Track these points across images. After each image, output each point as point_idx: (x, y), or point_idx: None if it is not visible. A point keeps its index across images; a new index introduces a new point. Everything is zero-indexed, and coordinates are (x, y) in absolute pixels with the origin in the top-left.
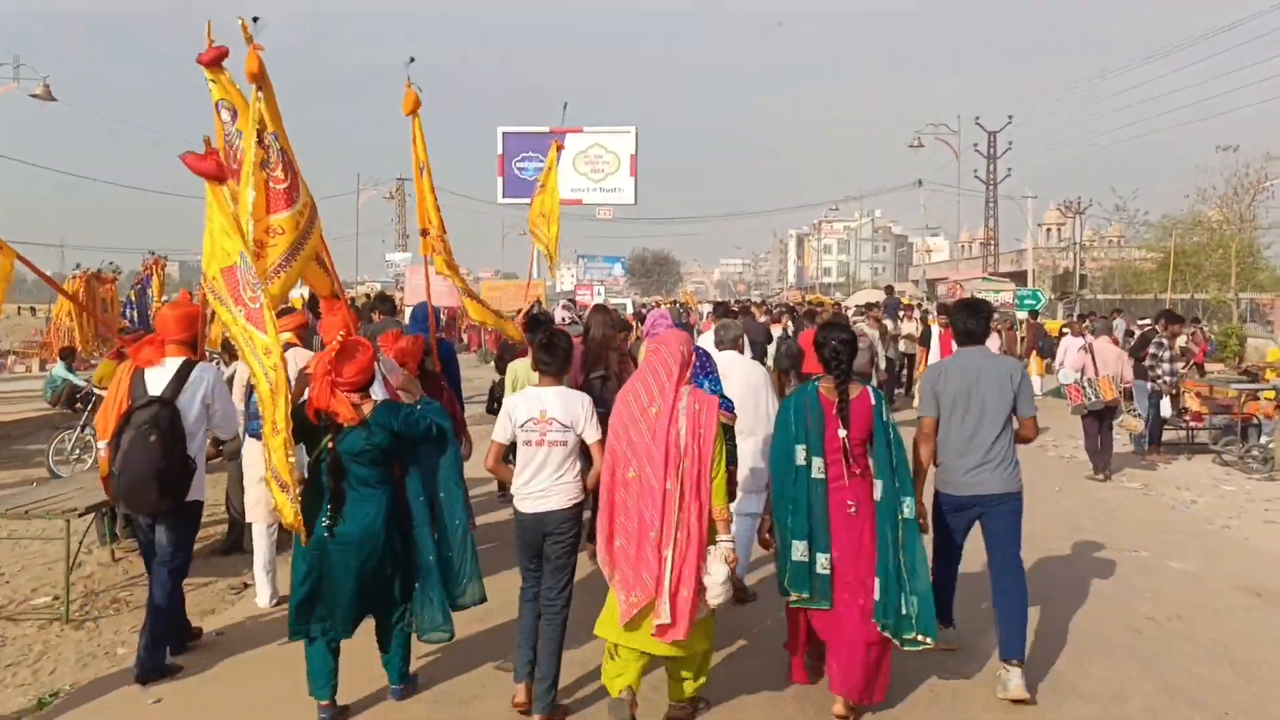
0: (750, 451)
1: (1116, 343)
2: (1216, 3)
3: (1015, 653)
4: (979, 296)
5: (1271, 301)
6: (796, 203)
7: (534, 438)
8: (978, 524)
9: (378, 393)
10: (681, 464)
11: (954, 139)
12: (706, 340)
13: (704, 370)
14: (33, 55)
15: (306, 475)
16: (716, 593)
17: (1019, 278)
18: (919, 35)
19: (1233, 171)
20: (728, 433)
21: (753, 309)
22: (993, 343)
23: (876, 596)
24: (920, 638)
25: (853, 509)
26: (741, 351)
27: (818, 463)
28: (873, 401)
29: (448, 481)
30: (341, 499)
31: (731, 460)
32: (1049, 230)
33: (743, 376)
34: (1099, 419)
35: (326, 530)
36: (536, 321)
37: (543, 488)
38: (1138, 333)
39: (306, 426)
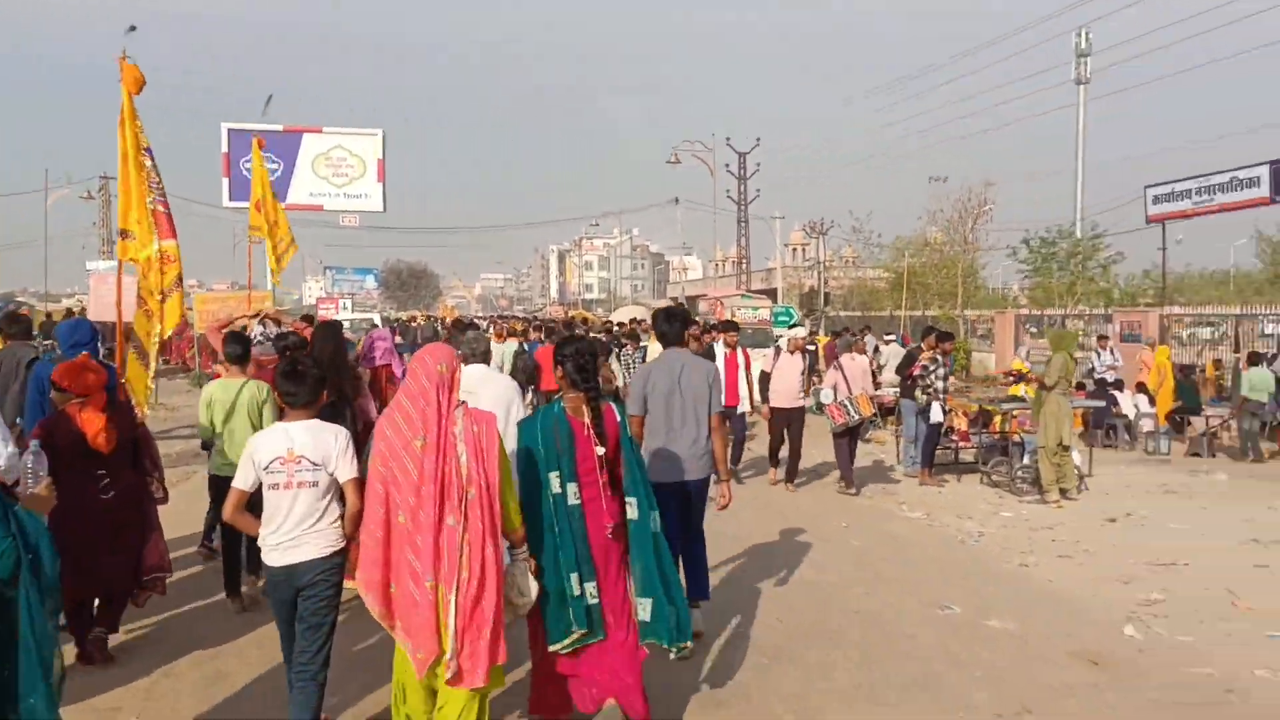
0: None
1: (865, 354)
2: (933, 44)
3: (702, 593)
4: (733, 314)
5: (991, 318)
6: (559, 216)
7: (281, 480)
8: None
9: None
10: (466, 493)
11: (709, 156)
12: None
13: None
14: None
15: None
16: (526, 601)
17: (769, 295)
18: (676, 56)
19: (958, 196)
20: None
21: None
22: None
23: (646, 617)
24: (688, 646)
25: (610, 531)
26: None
27: (573, 488)
28: (618, 417)
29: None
30: None
31: None
32: (794, 250)
33: (491, 393)
34: (850, 435)
35: None
36: (237, 337)
37: (293, 536)
38: (884, 349)
39: None
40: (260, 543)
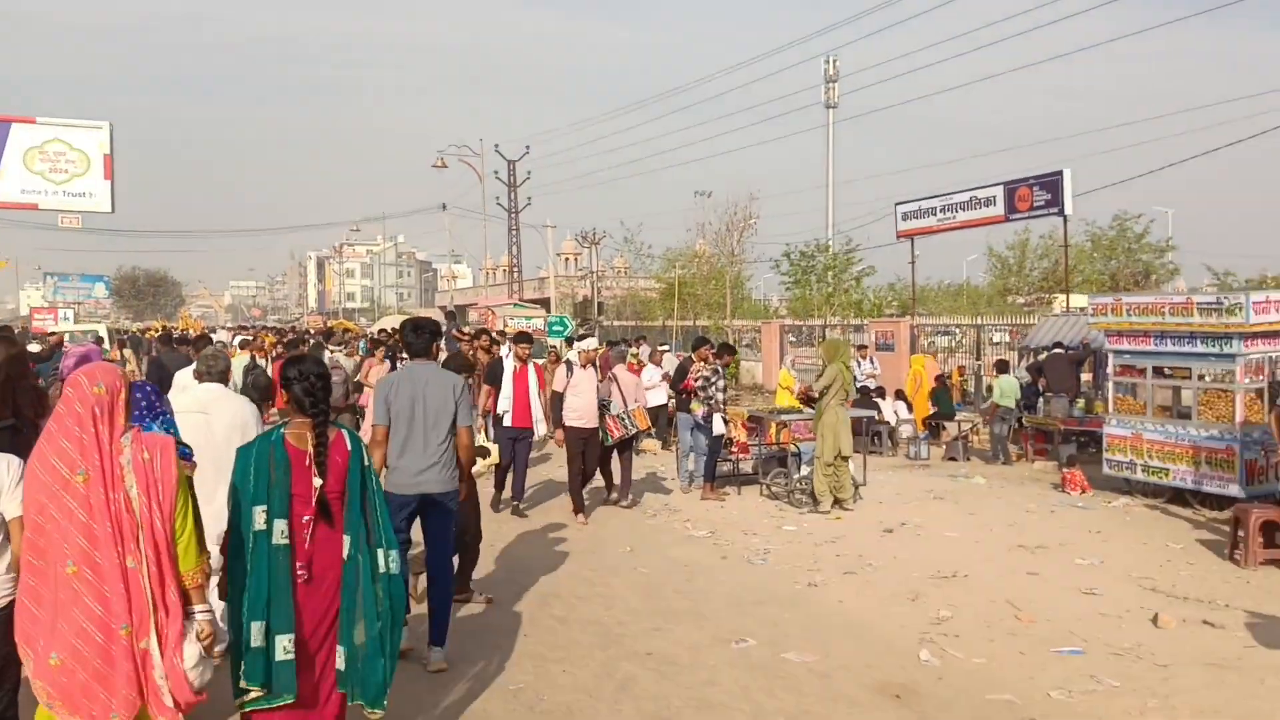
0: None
1: (635, 370)
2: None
3: (438, 640)
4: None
5: (758, 328)
6: (315, 221)
7: None
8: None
9: None
10: (139, 532)
11: (477, 162)
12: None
13: (153, 410)
14: None
15: None
16: (192, 669)
17: (542, 304)
18: (438, 65)
19: (725, 209)
20: (188, 481)
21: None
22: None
23: (342, 666)
24: (376, 715)
25: (304, 576)
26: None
27: (280, 525)
28: (349, 446)
29: None
30: None
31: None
32: (567, 259)
33: (229, 414)
34: (627, 446)
35: None
36: None
37: None
38: (661, 361)
39: None
40: None
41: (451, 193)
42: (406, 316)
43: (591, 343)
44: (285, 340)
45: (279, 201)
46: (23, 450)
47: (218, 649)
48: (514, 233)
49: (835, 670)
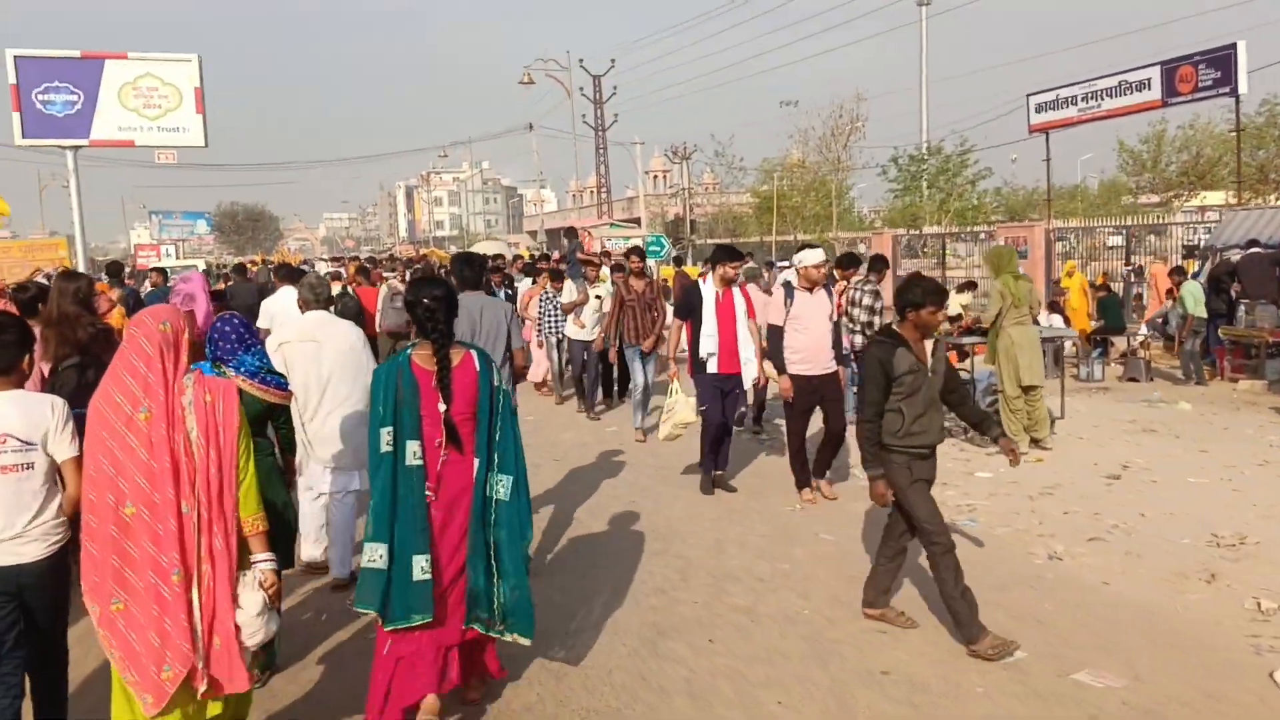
0: (352, 424)
1: (769, 293)
2: None
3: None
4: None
5: (868, 239)
6: (403, 149)
7: None
8: None
9: None
10: (195, 476)
11: (564, 77)
12: None
13: (243, 343)
14: None
15: None
16: (252, 628)
17: (633, 225)
18: None
19: (829, 113)
20: (281, 415)
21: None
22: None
23: (475, 591)
24: (516, 638)
25: (433, 495)
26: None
27: (413, 447)
28: (478, 368)
29: None
30: None
31: (290, 448)
32: (655, 177)
33: (340, 339)
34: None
35: None
36: None
37: (16, 530)
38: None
39: None
40: None
41: (536, 112)
42: (497, 243)
43: (817, 255)
44: (410, 270)
45: (370, 131)
46: (90, 390)
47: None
48: (601, 151)
49: (1165, 706)
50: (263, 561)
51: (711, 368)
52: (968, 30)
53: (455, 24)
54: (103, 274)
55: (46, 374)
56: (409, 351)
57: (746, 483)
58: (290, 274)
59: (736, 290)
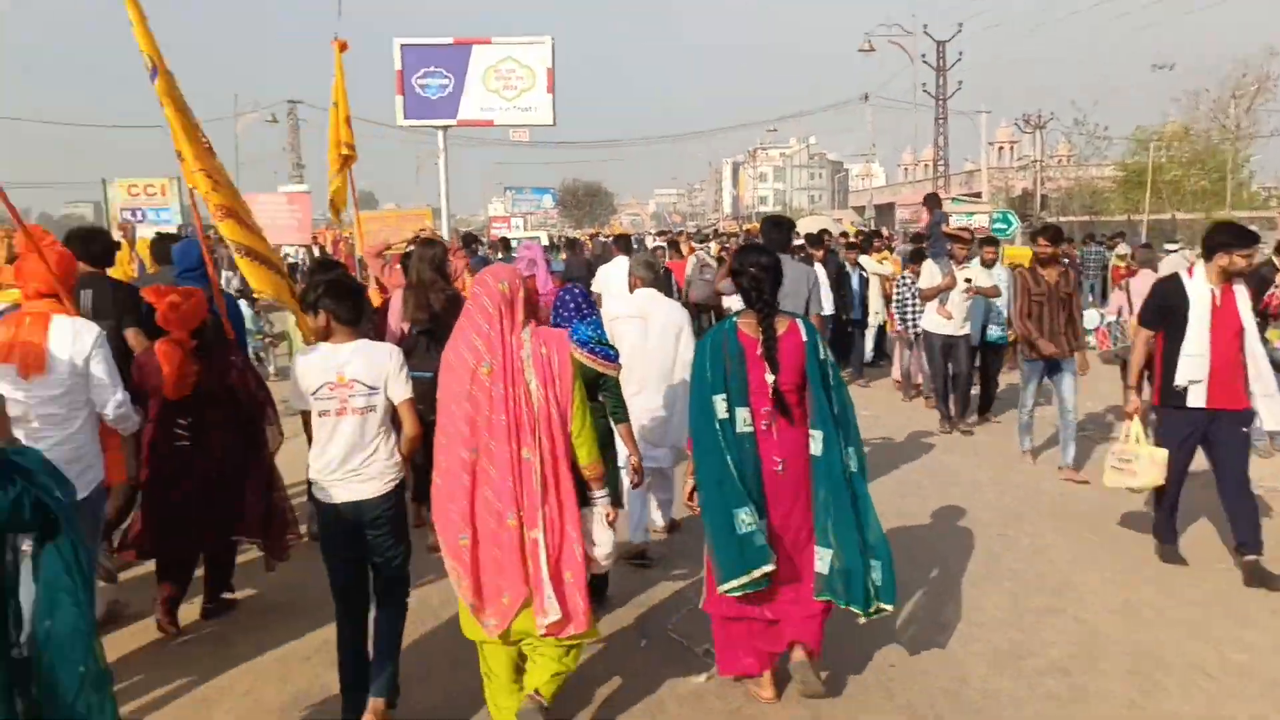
0: (667, 401)
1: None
2: None
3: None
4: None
5: (1274, 220)
6: (730, 124)
7: (332, 407)
8: None
9: None
10: (537, 425)
11: (908, 43)
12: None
13: (580, 313)
14: None
15: None
16: (607, 561)
17: (975, 199)
18: None
19: (1226, 73)
20: (609, 382)
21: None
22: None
23: (822, 568)
24: (883, 606)
25: (779, 466)
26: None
27: (743, 414)
28: (804, 337)
29: (62, 607)
30: None
31: (620, 418)
32: (1000, 149)
33: (663, 316)
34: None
35: None
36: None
37: (353, 468)
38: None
39: None
40: (312, 476)
41: (870, 83)
42: (820, 218)
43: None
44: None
45: (701, 108)
46: (438, 349)
47: None
48: (941, 121)
49: None
50: (600, 498)
51: (1195, 400)
52: None
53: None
54: (459, 242)
55: (402, 334)
56: (734, 319)
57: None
58: (625, 244)
59: (1240, 290)
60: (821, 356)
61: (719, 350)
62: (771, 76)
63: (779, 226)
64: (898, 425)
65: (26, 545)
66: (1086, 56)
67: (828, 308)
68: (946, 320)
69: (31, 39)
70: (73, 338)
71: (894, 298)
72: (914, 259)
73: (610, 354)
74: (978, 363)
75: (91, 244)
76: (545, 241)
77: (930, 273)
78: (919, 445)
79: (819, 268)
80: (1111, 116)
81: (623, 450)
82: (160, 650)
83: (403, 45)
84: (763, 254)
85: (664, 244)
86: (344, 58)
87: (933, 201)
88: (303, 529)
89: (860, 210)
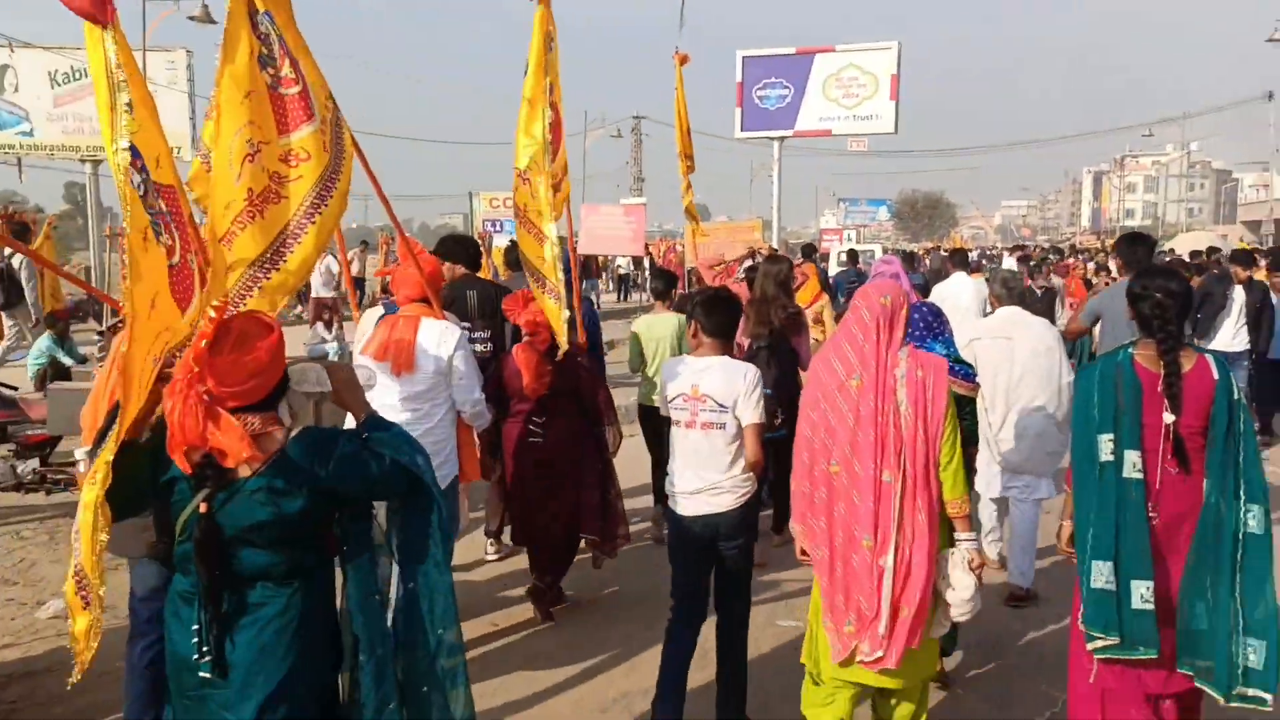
0: (1040, 427)
1: None
2: None
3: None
4: None
5: None
6: (1094, 129)
7: (684, 417)
8: None
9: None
10: (902, 448)
11: None
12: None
13: (931, 331)
14: None
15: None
16: (963, 609)
17: None
18: None
19: None
20: (965, 406)
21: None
22: None
23: (1256, 664)
24: (1255, 693)
25: (1155, 517)
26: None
27: (1132, 457)
28: (1215, 375)
29: (425, 571)
30: (221, 610)
31: (971, 441)
32: None
33: (1034, 338)
34: None
35: (200, 669)
36: (661, 273)
37: (712, 482)
38: None
39: (145, 472)
40: (668, 488)
41: (1272, 80)
42: (1201, 234)
43: None
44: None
45: (1061, 111)
46: (777, 365)
47: None
48: None
49: None
50: (967, 541)
51: None
52: None
53: None
54: (799, 254)
55: (744, 349)
56: (1130, 350)
57: None
58: (962, 259)
59: None
60: (1235, 398)
61: (1110, 383)
62: (1148, 72)
63: (1139, 244)
64: None
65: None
66: None
67: (1239, 342)
68: None
69: (421, 68)
70: (439, 339)
71: None
72: None
73: (968, 373)
74: None
75: (469, 248)
76: (879, 253)
77: None
78: None
79: (1238, 291)
80: None
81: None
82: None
83: (745, 57)
84: (1171, 278)
85: (1020, 262)
86: (685, 71)
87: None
88: (646, 529)
89: (1255, 226)
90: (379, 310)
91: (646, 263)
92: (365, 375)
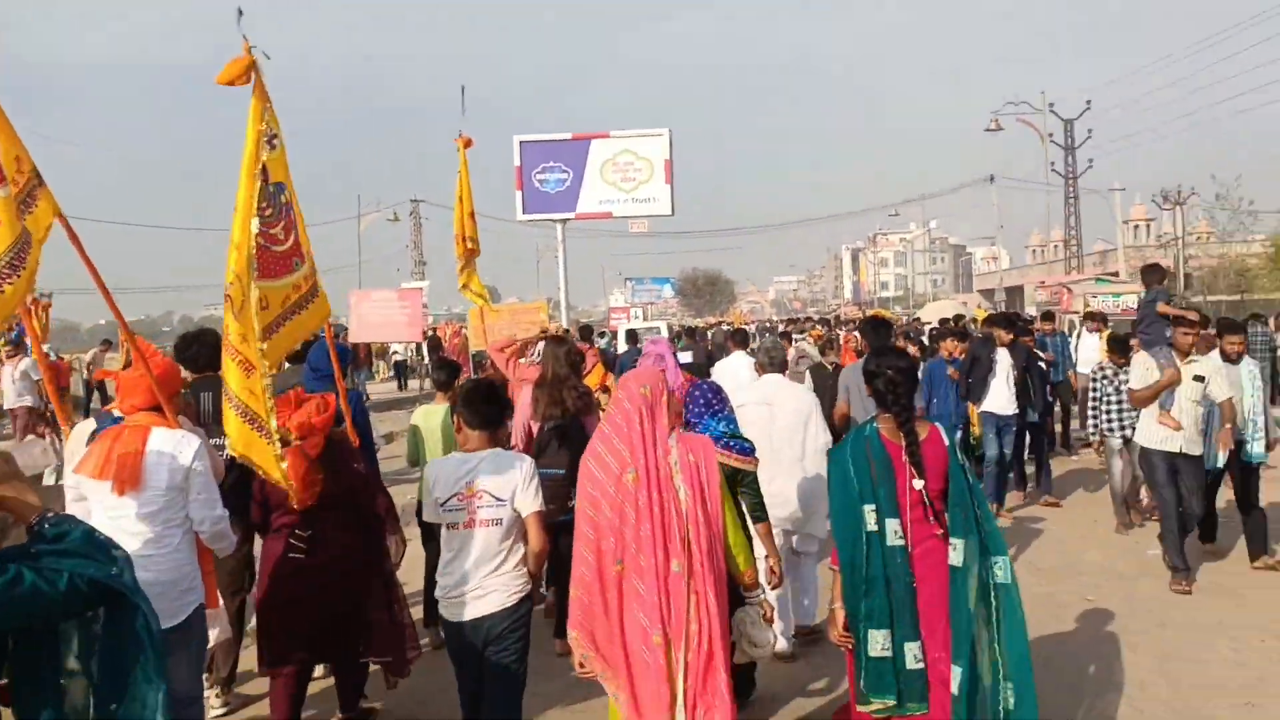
0: (802, 486)
1: None
2: None
3: None
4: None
5: None
6: (851, 209)
7: (460, 519)
8: None
9: None
10: (687, 533)
11: (1037, 120)
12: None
13: (710, 409)
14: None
15: None
16: (764, 652)
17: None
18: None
19: None
20: (746, 480)
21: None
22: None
23: (955, 689)
24: None
25: (921, 581)
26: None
27: (893, 525)
28: (946, 441)
29: (133, 693)
30: None
31: (758, 515)
32: (1135, 227)
33: (792, 404)
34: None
35: None
36: (444, 363)
37: (475, 585)
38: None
39: None
40: (438, 594)
41: (995, 162)
42: (946, 303)
43: None
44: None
45: (822, 193)
46: (570, 447)
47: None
48: (1071, 201)
49: None
50: (754, 597)
51: None
52: None
53: (909, 74)
54: (577, 334)
55: (534, 431)
56: (874, 425)
57: None
58: (743, 339)
59: None
60: (961, 461)
61: (862, 457)
62: (891, 160)
63: (880, 326)
64: (1104, 570)
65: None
66: (1224, 134)
67: (1009, 405)
68: (1173, 432)
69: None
70: (173, 451)
71: (1091, 393)
72: (1117, 347)
73: (746, 448)
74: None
75: (194, 347)
76: (665, 331)
77: (1144, 368)
78: (1149, 611)
79: (1003, 354)
80: (1255, 191)
81: (760, 549)
82: None
83: (522, 142)
84: (900, 357)
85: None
86: (468, 154)
87: (1153, 274)
88: (425, 640)
89: (989, 294)
90: (91, 424)
91: (427, 348)
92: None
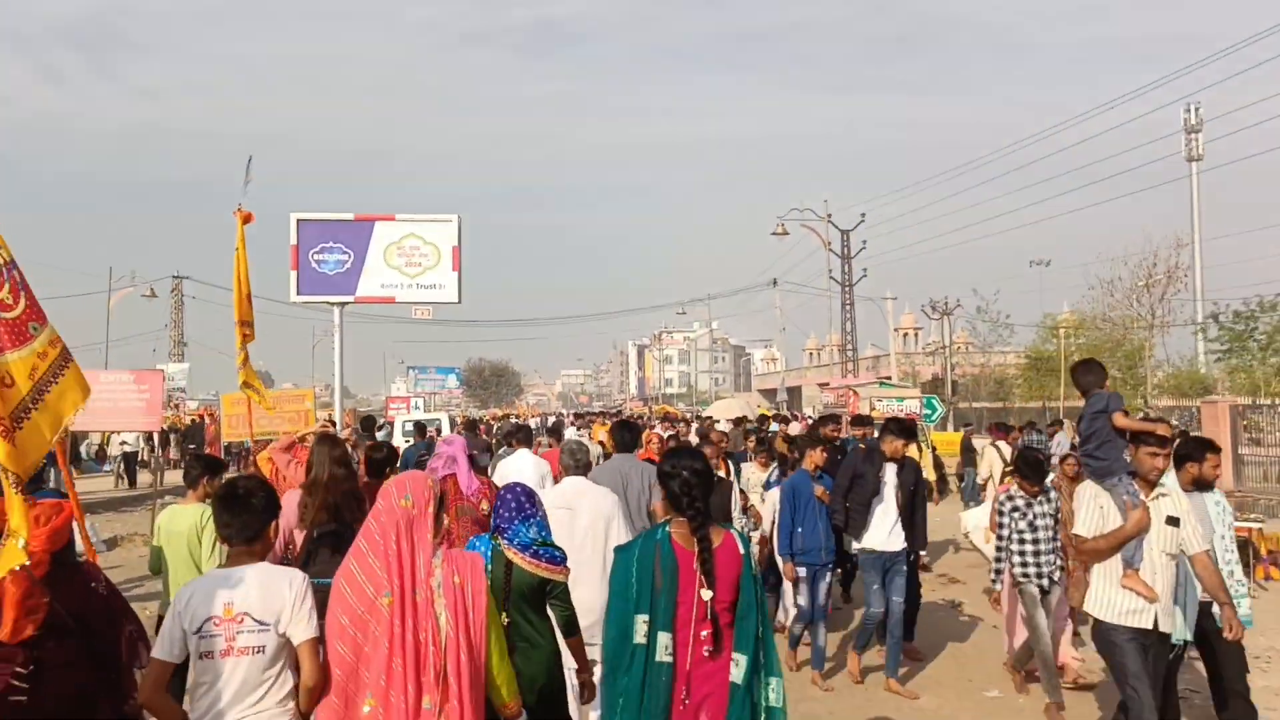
0: (600, 598)
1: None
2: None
3: None
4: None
5: (1196, 409)
6: (638, 306)
7: (218, 646)
8: None
9: None
10: (444, 666)
11: (820, 227)
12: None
13: (522, 513)
14: None
15: None
16: None
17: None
18: (756, 136)
19: (1138, 262)
20: (557, 589)
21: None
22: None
23: None
24: None
25: (685, 701)
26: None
27: (664, 639)
28: (741, 551)
29: None
30: None
31: (570, 626)
32: (905, 335)
33: (593, 508)
34: None
35: None
36: (199, 459)
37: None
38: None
39: None
40: None
41: (778, 267)
42: (732, 401)
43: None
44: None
45: (613, 289)
46: (342, 558)
47: None
48: (848, 307)
49: None
50: None
51: None
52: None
53: (696, 184)
54: (358, 428)
55: (301, 540)
56: (666, 528)
57: None
58: (527, 437)
59: None
60: (755, 572)
61: (649, 561)
62: (677, 260)
63: (629, 429)
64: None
65: None
66: (981, 250)
67: (897, 538)
68: (1148, 603)
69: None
70: None
71: (999, 529)
72: (1030, 472)
73: (557, 556)
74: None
75: None
76: (446, 424)
77: (1094, 504)
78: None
79: (890, 470)
80: (1010, 305)
81: (570, 663)
82: None
83: (300, 220)
84: (695, 457)
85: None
86: (245, 231)
87: (1091, 374)
88: None
89: (770, 394)
90: None
91: (178, 439)
92: None
